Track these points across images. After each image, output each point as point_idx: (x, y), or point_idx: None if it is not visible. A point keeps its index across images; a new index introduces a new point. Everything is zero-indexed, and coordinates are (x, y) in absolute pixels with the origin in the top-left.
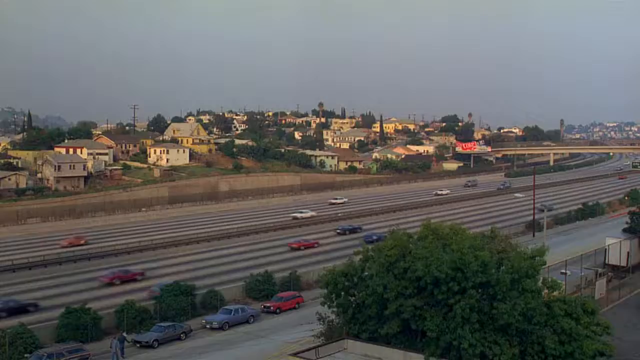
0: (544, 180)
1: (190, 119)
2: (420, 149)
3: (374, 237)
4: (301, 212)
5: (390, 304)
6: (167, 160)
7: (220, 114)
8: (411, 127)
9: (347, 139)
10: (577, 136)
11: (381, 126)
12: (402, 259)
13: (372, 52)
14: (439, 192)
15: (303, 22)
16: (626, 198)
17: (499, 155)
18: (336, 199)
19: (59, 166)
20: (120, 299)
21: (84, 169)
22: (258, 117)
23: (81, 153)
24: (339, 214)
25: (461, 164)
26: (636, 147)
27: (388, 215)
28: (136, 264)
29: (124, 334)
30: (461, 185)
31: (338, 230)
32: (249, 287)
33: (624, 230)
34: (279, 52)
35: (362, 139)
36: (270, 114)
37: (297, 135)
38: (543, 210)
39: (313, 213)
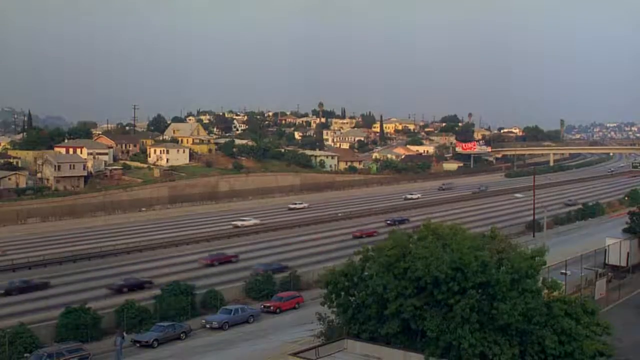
0: (543, 181)
1: (190, 119)
2: (420, 149)
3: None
4: (242, 220)
5: (390, 304)
6: (167, 160)
7: (220, 114)
8: (411, 127)
9: (347, 139)
10: (577, 136)
11: (381, 126)
12: (402, 259)
13: (373, 52)
14: (409, 196)
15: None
16: (626, 198)
17: (499, 156)
18: (295, 203)
19: (59, 166)
20: (225, 277)
21: (83, 168)
22: (258, 117)
23: (81, 153)
24: (339, 214)
25: (461, 164)
26: (636, 147)
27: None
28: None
29: (124, 334)
30: (436, 188)
31: (388, 222)
32: (249, 287)
33: (624, 231)
34: (279, 52)
35: (362, 139)
36: (270, 114)
37: (297, 135)
38: (570, 205)
39: (256, 221)
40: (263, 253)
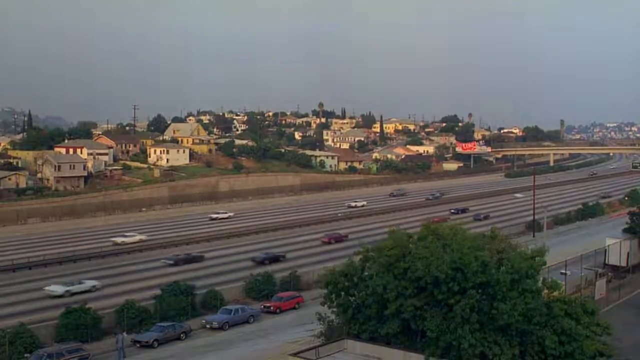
0: (543, 181)
1: (190, 119)
2: (420, 149)
3: (481, 216)
4: (125, 236)
5: (390, 304)
6: (167, 160)
7: (221, 114)
8: (411, 127)
9: (347, 139)
10: (577, 136)
11: (381, 126)
12: (402, 259)
13: (373, 52)
14: (353, 204)
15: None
16: (626, 198)
17: (499, 156)
18: (218, 213)
19: (59, 166)
20: (341, 253)
21: (84, 169)
22: (258, 117)
23: (81, 153)
24: (339, 214)
25: (461, 164)
26: (636, 147)
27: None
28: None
29: (124, 333)
30: (387, 195)
31: (452, 211)
32: (249, 287)
33: (624, 231)
34: (279, 52)
35: (362, 139)
36: (271, 114)
37: (297, 135)
38: (604, 197)
39: (142, 237)
40: None
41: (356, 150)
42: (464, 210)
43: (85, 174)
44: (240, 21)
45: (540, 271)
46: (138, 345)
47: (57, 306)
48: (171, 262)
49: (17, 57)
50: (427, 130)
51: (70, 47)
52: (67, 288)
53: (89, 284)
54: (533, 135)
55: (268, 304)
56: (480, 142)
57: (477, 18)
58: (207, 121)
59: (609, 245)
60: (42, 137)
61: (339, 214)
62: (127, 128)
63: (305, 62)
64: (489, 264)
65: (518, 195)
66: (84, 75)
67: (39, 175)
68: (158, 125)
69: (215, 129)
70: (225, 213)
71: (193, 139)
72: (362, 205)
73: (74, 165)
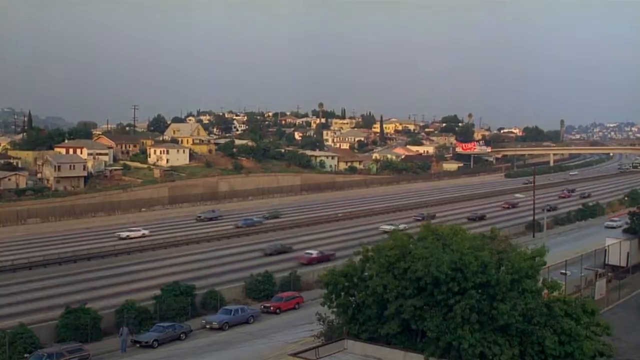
0: (543, 181)
1: (190, 120)
2: (420, 149)
3: (548, 207)
4: (130, 231)
5: (390, 304)
6: (167, 160)
7: (220, 114)
8: (411, 127)
9: (347, 139)
10: (577, 137)
11: (381, 126)
12: (402, 259)
13: (373, 52)
14: (126, 234)
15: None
16: (626, 198)
17: (499, 156)
18: (131, 230)
19: (59, 166)
20: None
21: (84, 169)
22: (258, 117)
23: (81, 153)
24: (339, 214)
25: (461, 165)
26: (636, 147)
27: None
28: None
29: (128, 327)
30: (194, 217)
31: (504, 205)
32: (249, 287)
33: (624, 231)
34: (279, 52)
35: (362, 139)
36: (270, 114)
37: (297, 135)
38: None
39: (145, 232)
40: None
41: (356, 151)
42: (514, 205)
43: (85, 174)
44: (240, 21)
45: (540, 271)
46: (138, 345)
47: (58, 306)
48: (268, 252)
49: (17, 57)
50: (427, 130)
51: (70, 47)
52: None
53: None
54: (533, 135)
55: (268, 304)
56: (480, 142)
57: (477, 18)
58: (207, 121)
59: (608, 246)
60: (42, 138)
61: (339, 214)
62: (127, 128)
63: (305, 62)
64: (489, 264)
65: (518, 195)
66: (84, 75)
67: (39, 175)
68: (158, 126)
69: (215, 129)
70: (139, 230)
71: (193, 139)
72: (142, 236)
73: (74, 166)
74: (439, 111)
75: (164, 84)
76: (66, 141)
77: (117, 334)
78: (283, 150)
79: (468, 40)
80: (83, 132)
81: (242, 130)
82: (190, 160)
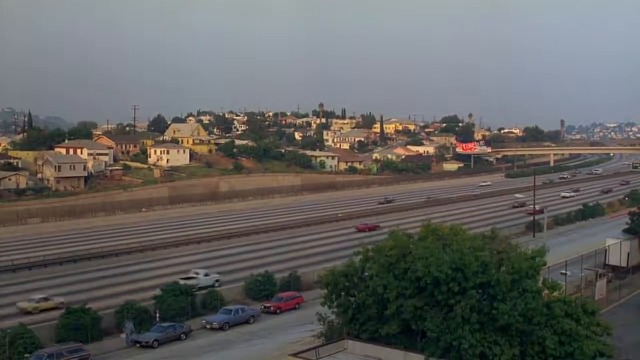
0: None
1: (190, 120)
2: (421, 149)
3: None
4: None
5: (390, 305)
6: (168, 160)
7: (221, 114)
8: (411, 127)
9: (347, 139)
10: (578, 137)
11: (381, 127)
12: (402, 259)
13: (373, 52)
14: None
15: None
16: (626, 199)
17: (499, 156)
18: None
19: (59, 166)
20: None
21: (84, 169)
22: (258, 117)
23: (81, 153)
24: (339, 215)
25: (461, 165)
26: (636, 147)
27: None
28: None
29: (132, 323)
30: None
31: (563, 195)
32: (249, 287)
33: (624, 231)
34: (280, 52)
35: (362, 139)
36: (271, 114)
37: (298, 135)
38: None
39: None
40: None
41: (356, 151)
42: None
43: (86, 174)
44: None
45: (541, 271)
46: (138, 345)
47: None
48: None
49: (17, 57)
50: (427, 130)
51: (70, 47)
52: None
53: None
54: (533, 135)
55: (268, 304)
56: (481, 142)
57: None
58: (207, 121)
59: (609, 246)
60: (42, 138)
61: (339, 214)
62: (127, 128)
63: (305, 62)
64: (489, 264)
65: (518, 195)
66: (84, 75)
67: (39, 175)
68: (158, 126)
69: (215, 130)
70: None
71: (193, 140)
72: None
73: (74, 166)
74: (439, 111)
75: (164, 84)
76: (66, 141)
77: (119, 333)
78: (283, 151)
79: (468, 40)
80: (83, 132)
81: (242, 130)
82: (190, 160)
